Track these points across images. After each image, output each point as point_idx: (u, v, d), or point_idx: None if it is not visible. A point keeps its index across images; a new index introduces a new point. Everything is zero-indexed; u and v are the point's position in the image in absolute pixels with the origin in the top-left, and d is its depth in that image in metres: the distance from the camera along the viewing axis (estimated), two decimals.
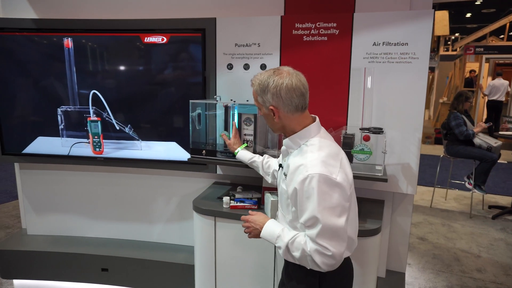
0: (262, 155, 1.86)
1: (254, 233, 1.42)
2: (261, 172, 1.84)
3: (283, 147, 1.41)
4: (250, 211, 1.50)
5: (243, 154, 1.93)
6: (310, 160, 1.21)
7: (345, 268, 1.38)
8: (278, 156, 1.71)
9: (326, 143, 1.29)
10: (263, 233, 1.37)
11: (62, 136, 2.49)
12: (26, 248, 2.64)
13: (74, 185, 2.73)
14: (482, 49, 8.23)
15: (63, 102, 2.44)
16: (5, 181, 5.62)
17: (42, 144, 2.52)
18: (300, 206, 1.22)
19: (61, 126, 2.48)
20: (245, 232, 1.46)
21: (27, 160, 2.61)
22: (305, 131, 1.31)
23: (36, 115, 2.50)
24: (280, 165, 1.44)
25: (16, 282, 2.75)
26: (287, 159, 1.36)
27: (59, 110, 2.45)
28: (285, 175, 1.32)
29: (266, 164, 1.81)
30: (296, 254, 1.24)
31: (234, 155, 1.98)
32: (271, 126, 1.37)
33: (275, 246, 1.37)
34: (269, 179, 1.80)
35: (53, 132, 2.49)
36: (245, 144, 2.03)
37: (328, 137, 1.35)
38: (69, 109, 2.45)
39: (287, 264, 1.44)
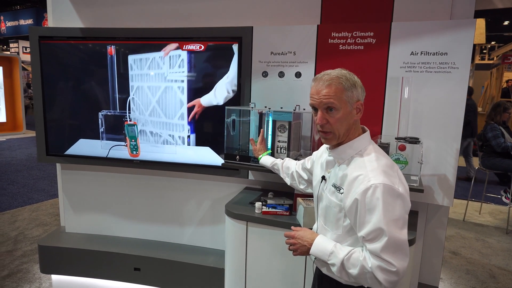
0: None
1: (302, 250, 1.33)
2: (281, 175, 1.85)
3: (328, 158, 1.35)
4: (293, 227, 1.43)
5: (266, 159, 1.97)
6: (371, 170, 1.16)
7: None
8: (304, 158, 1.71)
9: (381, 154, 1.25)
10: (313, 250, 1.28)
11: (102, 139, 2.60)
12: (64, 245, 2.76)
13: (111, 186, 2.84)
14: None
15: (104, 106, 2.56)
16: (43, 180, 5.89)
17: (83, 146, 2.65)
18: (361, 218, 1.15)
19: (101, 129, 2.59)
20: (290, 249, 1.38)
21: (69, 161, 2.74)
22: (359, 141, 1.26)
23: (79, 119, 2.63)
24: (323, 177, 1.37)
25: (54, 277, 2.88)
26: (336, 170, 1.30)
27: (100, 114, 2.56)
28: (336, 187, 1.27)
29: (285, 166, 1.82)
30: (353, 271, 1.16)
31: (258, 161, 2.03)
32: (343, 127, 1.23)
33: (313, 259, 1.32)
34: (288, 181, 1.80)
35: (94, 134, 2.61)
36: (269, 151, 2.08)
37: (380, 149, 1.30)
38: (109, 113, 2.56)
39: (321, 279, 1.39)
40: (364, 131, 1.30)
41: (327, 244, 1.25)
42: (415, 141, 1.89)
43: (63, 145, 2.68)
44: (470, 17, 1.94)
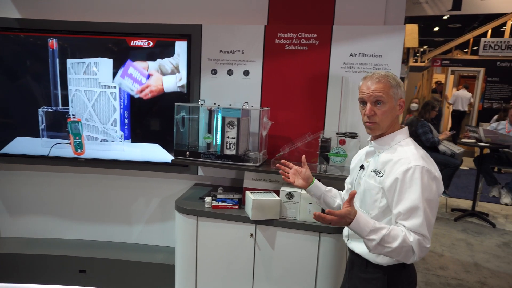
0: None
1: (343, 221, 1.26)
2: (331, 201, 1.67)
3: (369, 149, 1.50)
4: (330, 210, 1.26)
5: (317, 185, 1.69)
6: (412, 154, 1.32)
7: (413, 274, 1.46)
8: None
9: (418, 146, 1.40)
10: (353, 224, 1.26)
11: (43, 137, 2.48)
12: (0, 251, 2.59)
13: (53, 186, 2.71)
14: (448, 62, 8.67)
15: (44, 102, 2.43)
16: None
17: (20, 145, 2.50)
18: (400, 195, 1.29)
19: (41, 127, 2.46)
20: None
21: (4, 161, 2.57)
22: (399, 133, 1.41)
23: (15, 115, 2.48)
24: (362, 166, 1.50)
25: None
26: (375, 159, 1.44)
27: (40, 110, 2.44)
28: (376, 171, 1.40)
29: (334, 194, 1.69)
30: (393, 245, 1.23)
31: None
32: (388, 119, 1.39)
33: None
34: (325, 207, 1.68)
35: (33, 132, 2.47)
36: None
37: (415, 142, 1.43)
38: (51, 110, 2.44)
39: (352, 265, 1.51)
40: (402, 127, 1.46)
41: (368, 221, 1.28)
42: (353, 135, 2.05)
43: None
44: (400, 23, 2.14)
